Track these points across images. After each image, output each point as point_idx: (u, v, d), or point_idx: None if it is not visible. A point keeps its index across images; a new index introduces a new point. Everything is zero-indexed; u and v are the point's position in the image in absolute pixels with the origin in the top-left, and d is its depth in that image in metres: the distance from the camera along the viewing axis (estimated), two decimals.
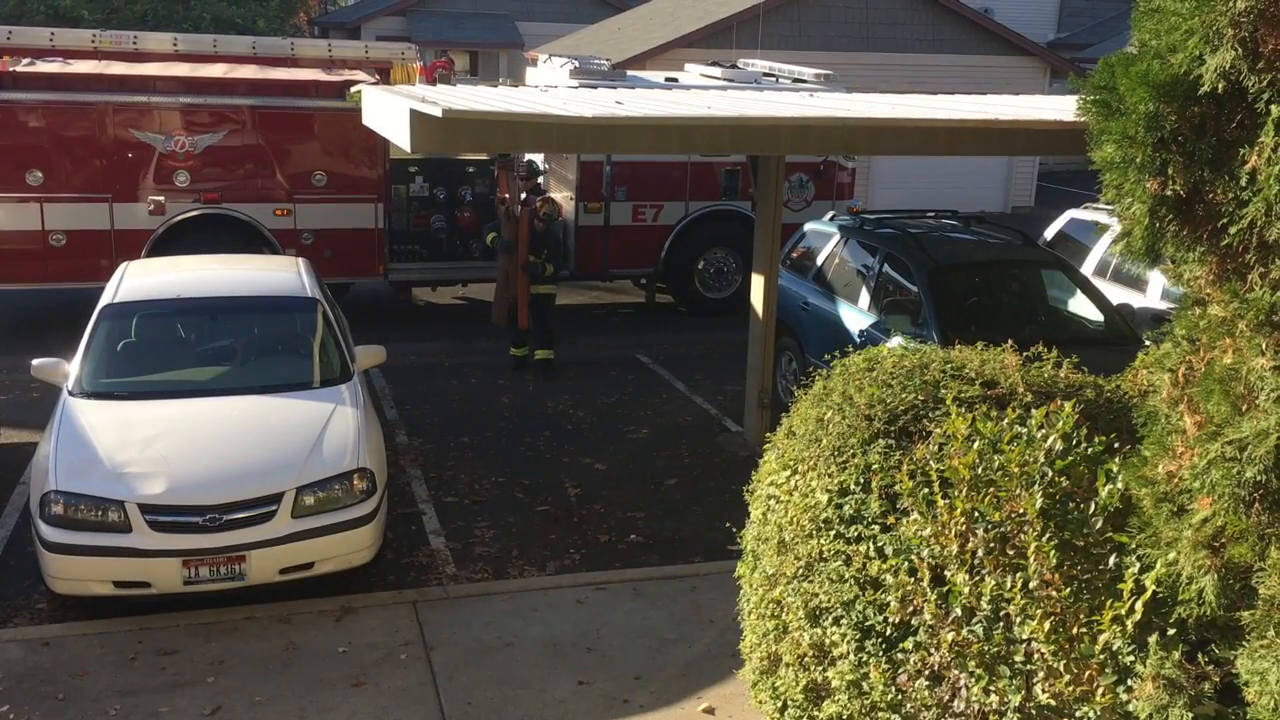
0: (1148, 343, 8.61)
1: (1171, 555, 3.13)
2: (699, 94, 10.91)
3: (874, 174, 21.12)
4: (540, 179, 13.48)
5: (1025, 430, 3.91)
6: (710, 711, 6.10)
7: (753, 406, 10.08)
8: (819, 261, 10.86)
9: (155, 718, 5.79)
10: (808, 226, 11.60)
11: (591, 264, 14.20)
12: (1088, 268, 11.09)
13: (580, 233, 14.12)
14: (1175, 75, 2.97)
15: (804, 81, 14.62)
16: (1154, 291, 10.34)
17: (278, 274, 9.06)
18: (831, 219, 11.37)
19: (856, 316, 9.82)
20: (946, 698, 3.83)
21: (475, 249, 13.92)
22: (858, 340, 9.23)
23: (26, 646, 6.43)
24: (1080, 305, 9.64)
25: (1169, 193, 2.91)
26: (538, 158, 15.37)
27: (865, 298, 9.91)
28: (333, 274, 11.82)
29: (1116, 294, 10.18)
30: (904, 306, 9.37)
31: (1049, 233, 12.48)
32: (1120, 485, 3.49)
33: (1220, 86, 2.93)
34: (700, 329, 14.10)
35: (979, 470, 3.90)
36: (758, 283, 9.82)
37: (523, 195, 12.41)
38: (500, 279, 12.12)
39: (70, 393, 7.47)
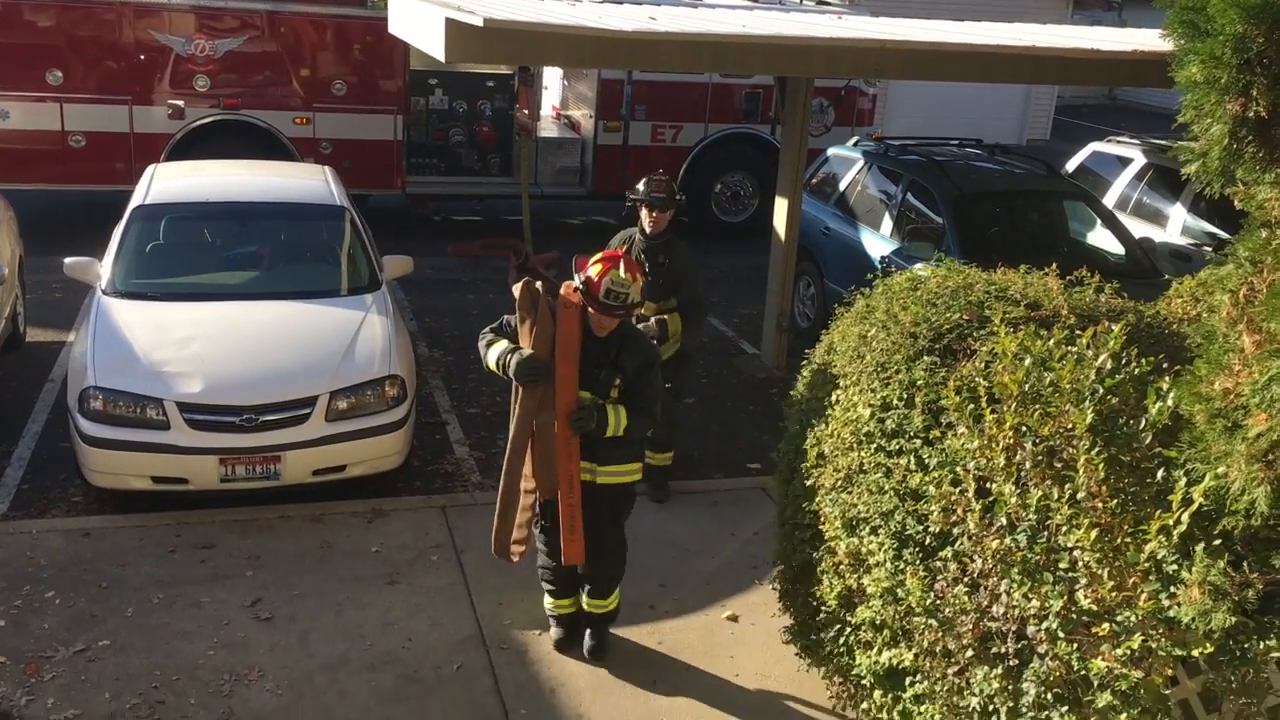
0: (1166, 276, 8.66)
1: (1222, 469, 3.24)
2: (727, 13, 10.80)
3: (891, 101, 20.93)
4: (670, 208, 7.23)
5: (1075, 349, 4.00)
6: (734, 619, 6.27)
7: (771, 329, 10.16)
8: (841, 187, 10.86)
9: (197, 607, 5.95)
10: (831, 151, 11.57)
11: (609, 184, 14.10)
12: (1109, 202, 11.10)
13: (599, 151, 14.06)
14: None
15: (829, 4, 14.46)
16: (1174, 227, 10.38)
17: (307, 181, 9.08)
18: (855, 144, 11.34)
19: (878, 243, 9.86)
20: (985, 603, 3.96)
21: (494, 164, 13.87)
22: (879, 266, 9.27)
23: (67, 536, 6.57)
24: (1102, 237, 9.69)
25: (1250, 114, 2.96)
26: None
27: (888, 224, 9.94)
28: (351, 185, 11.68)
29: (1137, 228, 10.21)
30: (927, 233, 9.41)
31: (1070, 165, 12.46)
32: (1171, 403, 3.58)
33: None
34: (715, 253, 14.08)
35: (1028, 386, 4.00)
36: (781, 206, 9.83)
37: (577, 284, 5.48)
38: (509, 459, 5.50)
39: (104, 292, 7.53)
